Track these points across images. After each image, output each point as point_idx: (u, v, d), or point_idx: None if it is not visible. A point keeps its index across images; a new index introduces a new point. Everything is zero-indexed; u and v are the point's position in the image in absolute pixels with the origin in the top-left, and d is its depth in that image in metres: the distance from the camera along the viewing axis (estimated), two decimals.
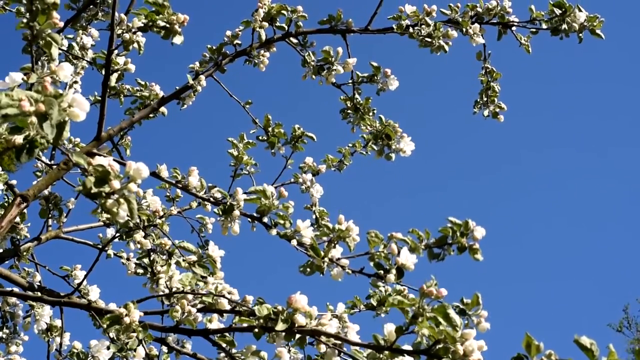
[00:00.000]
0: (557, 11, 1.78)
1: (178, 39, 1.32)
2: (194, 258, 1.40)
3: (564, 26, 1.78)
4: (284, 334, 1.00)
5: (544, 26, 1.84)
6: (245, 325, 1.08)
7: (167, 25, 1.31)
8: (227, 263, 1.47)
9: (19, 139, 0.81)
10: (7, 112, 0.73)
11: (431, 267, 1.18)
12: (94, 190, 0.76)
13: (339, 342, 0.98)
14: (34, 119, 0.78)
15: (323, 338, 0.98)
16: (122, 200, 0.78)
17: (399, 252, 1.15)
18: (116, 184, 0.75)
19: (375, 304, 1.52)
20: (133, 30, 1.44)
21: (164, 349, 1.52)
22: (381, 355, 0.89)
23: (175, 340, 1.45)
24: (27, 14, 0.94)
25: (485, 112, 2.00)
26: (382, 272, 1.17)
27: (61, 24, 1.00)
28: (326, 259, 1.26)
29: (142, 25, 1.34)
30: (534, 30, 1.87)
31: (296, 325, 0.97)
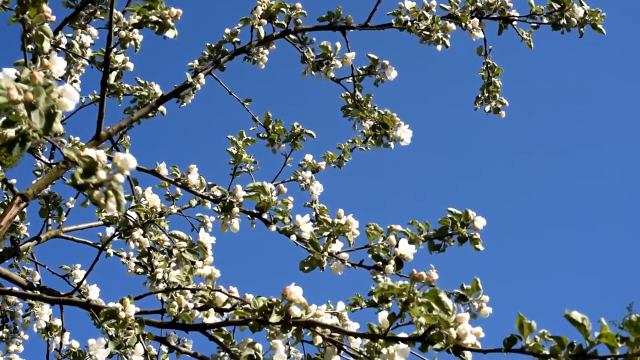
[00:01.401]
0: (556, 5, 1.77)
1: (171, 33, 1.32)
2: (184, 244, 1.39)
3: (563, 20, 1.76)
4: (280, 326, 0.98)
5: (545, 20, 1.82)
6: (241, 318, 1.07)
7: (160, 20, 1.30)
8: (228, 262, 1.46)
9: (10, 132, 0.80)
10: None
11: (437, 264, 1.17)
12: (81, 181, 0.75)
13: (335, 333, 0.97)
14: (24, 111, 0.78)
15: (319, 329, 0.96)
16: (109, 192, 0.77)
17: (397, 243, 1.14)
18: (102, 175, 0.74)
19: (376, 300, 1.50)
20: (129, 27, 1.43)
21: (164, 348, 1.51)
22: (377, 344, 0.87)
23: (175, 339, 1.44)
24: (18, 6, 0.93)
25: (487, 108, 1.98)
26: (380, 263, 1.16)
27: (53, 18, 0.99)
28: (326, 253, 1.25)
29: (137, 22, 1.34)
30: (535, 25, 1.85)
31: (291, 316, 0.96)
